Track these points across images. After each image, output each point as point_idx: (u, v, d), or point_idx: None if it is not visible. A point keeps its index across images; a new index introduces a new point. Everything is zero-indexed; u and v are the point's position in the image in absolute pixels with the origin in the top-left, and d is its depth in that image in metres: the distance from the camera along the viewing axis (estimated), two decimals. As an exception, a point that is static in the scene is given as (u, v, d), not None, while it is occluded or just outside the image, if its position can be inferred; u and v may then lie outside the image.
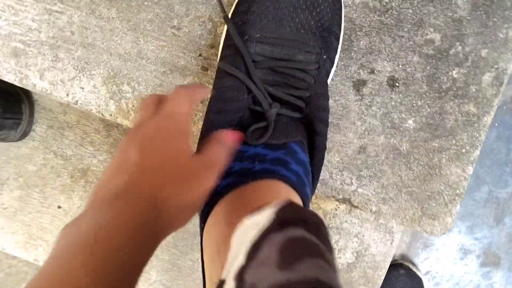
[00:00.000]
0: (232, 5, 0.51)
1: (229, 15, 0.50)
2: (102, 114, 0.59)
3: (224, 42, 0.50)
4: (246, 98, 0.48)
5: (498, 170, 0.98)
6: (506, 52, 0.54)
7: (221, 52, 0.50)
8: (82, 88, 0.59)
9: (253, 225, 0.32)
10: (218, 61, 0.51)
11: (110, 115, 0.59)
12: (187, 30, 0.56)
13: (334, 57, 0.51)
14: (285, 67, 0.47)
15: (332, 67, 0.51)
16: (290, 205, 0.33)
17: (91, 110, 0.59)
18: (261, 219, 0.32)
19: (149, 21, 0.57)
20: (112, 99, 0.59)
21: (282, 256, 0.28)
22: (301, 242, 0.29)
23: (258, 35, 0.48)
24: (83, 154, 0.87)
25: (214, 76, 0.56)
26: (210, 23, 0.56)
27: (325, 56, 0.48)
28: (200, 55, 0.56)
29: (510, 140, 0.96)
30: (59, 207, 0.92)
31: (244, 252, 0.29)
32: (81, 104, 0.59)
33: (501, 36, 0.54)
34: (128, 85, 0.58)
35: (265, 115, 0.47)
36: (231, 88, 0.48)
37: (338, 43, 0.51)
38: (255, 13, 0.48)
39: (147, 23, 0.57)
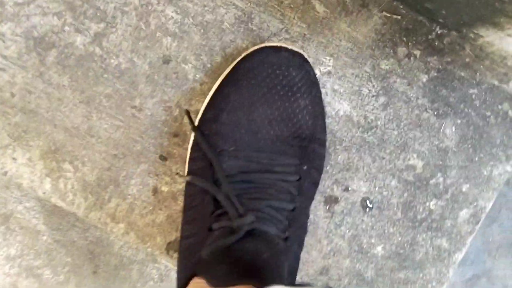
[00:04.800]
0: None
1: (196, 122, 0.44)
2: (35, 191, 0.51)
3: (191, 152, 0.44)
4: (210, 213, 0.42)
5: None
6: (487, 190, 0.51)
7: (189, 162, 0.44)
8: (15, 159, 0.50)
9: None
10: (186, 173, 0.45)
11: (44, 193, 0.51)
12: (149, 113, 0.49)
13: (321, 165, 0.46)
14: (263, 177, 0.42)
15: (319, 176, 0.46)
16: None
17: (22, 184, 0.51)
18: None
19: (107, 96, 0.49)
20: (49, 177, 0.50)
21: None
22: None
23: (232, 149, 0.42)
24: (7, 198, 0.77)
25: (172, 168, 0.49)
26: (177, 110, 0.49)
27: (305, 167, 0.43)
28: (161, 156, 0.50)
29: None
30: (-28, 253, 0.80)
31: None
32: (11, 176, 0.51)
33: (485, 173, 0.51)
34: (70, 163, 0.50)
35: (233, 225, 0.39)
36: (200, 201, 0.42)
37: (324, 149, 0.46)
38: (226, 124, 0.43)
39: (104, 98, 0.49)
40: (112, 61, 0.49)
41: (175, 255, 0.51)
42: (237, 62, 0.43)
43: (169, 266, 0.74)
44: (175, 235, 0.51)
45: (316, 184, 0.45)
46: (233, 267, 0.37)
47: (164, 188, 0.50)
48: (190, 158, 0.44)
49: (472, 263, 1.07)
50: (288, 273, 0.41)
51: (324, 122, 0.45)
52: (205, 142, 0.42)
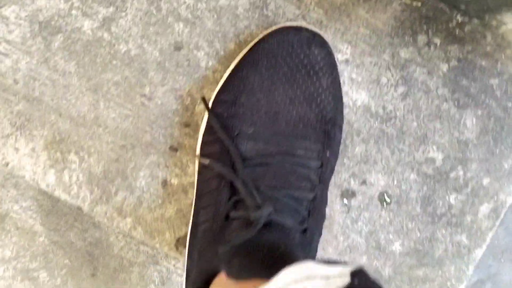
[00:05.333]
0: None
1: (210, 104, 0.43)
2: (38, 183, 0.48)
3: (205, 135, 0.42)
4: (227, 200, 0.40)
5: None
6: (508, 184, 0.49)
7: (202, 146, 0.42)
8: (17, 149, 0.48)
9: (316, 274, 0.26)
10: (198, 155, 0.42)
11: (47, 185, 0.48)
12: (159, 102, 0.47)
13: (338, 151, 0.44)
14: (283, 161, 0.40)
15: (336, 162, 0.44)
16: (364, 272, 0.27)
17: (24, 176, 0.48)
18: (331, 273, 0.26)
19: (115, 83, 0.47)
20: (53, 168, 0.48)
21: None
22: None
23: (250, 132, 0.40)
24: (3, 197, 0.75)
25: (182, 160, 0.47)
26: (189, 99, 0.47)
27: (328, 154, 0.41)
28: (171, 147, 0.47)
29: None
30: (-34, 254, 0.77)
31: None
32: (13, 167, 0.48)
33: (506, 166, 0.49)
34: (76, 154, 0.48)
35: (250, 217, 0.37)
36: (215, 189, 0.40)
37: (341, 135, 0.45)
38: (244, 106, 0.41)
39: (112, 86, 0.47)
40: (121, 47, 0.47)
41: (185, 251, 0.49)
42: (255, 43, 0.41)
43: (171, 269, 0.72)
44: (184, 230, 0.49)
45: (333, 171, 0.44)
46: (248, 261, 0.35)
47: (174, 181, 0.48)
48: (203, 142, 0.42)
49: (477, 268, 1.06)
50: None
51: (343, 107, 0.44)
52: (220, 126, 0.40)
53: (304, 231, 0.40)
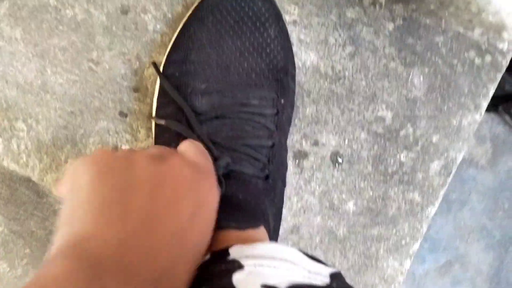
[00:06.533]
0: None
1: (161, 67, 0.43)
2: (-15, 153, 0.48)
3: (159, 98, 0.42)
4: None
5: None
6: (457, 141, 0.50)
7: (157, 110, 0.42)
8: (-37, 118, 0.47)
9: (300, 263, 0.27)
10: (154, 117, 0.42)
11: (-4, 155, 0.48)
12: (107, 67, 0.47)
13: (293, 101, 0.45)
14: (239, 111, 0.40)
15: (292, 111, 0.45)
16: (342, 277, 0.29)
17: (-28, 146, 0.48)
18: (312, 268, 0.27)
19: (62, 49, 0.47)
20: (1, 137, 0.47)
21: None
22: None
23: (203, 87, 0.40)
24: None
25: (132, 125, 0.47)
26: (137, 63, 0.47)
27: (282, 101, 0.42)
28: (121, 112, 0.47)
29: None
30: None
31: None
32: (-41, 137, 0.47)
33: (455, 123, 0.50)
34: (23, 122, 0.47)
35: None
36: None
37: (295, 85, 0.45)
38: (195, 63, 0.41)
39: (59, 51, 0.47)
40: (68, 12, 0.46)
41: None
42: (200, 1, 0.42)
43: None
44: (137, 195, 0.48)
45: (290, 120, 0.44)
46: None
47: (125, 147, 0.48)
48: (158, 106, 0.42)
49: (445, 249, 1.07)
50: (273, 213, 0.40)
51: (293, 57, 0.44)
52: (172, 86, 0.40)
53: (266, 177, 0.40)
